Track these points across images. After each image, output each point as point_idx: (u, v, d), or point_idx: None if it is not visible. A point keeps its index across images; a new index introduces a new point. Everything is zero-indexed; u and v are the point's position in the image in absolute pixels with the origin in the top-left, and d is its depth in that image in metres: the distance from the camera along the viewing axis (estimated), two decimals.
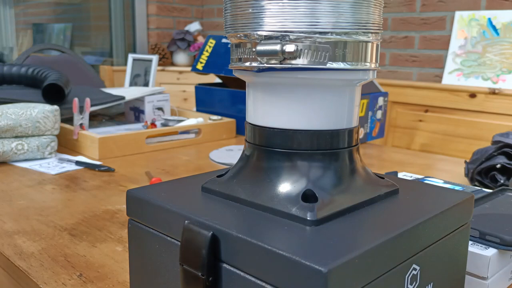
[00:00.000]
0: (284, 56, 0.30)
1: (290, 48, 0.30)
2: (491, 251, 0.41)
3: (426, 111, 1.91)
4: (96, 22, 2.98)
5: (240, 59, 0.34)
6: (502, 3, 1.88)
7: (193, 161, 0.95)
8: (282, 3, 0.30)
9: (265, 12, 0.31)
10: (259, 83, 0.34)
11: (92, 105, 1.10)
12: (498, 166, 0.72)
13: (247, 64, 0.33)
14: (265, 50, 0.31)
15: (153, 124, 1.16)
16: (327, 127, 0.33)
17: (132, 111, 1.29)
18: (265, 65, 0.31)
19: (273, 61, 0.31)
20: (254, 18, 0.31)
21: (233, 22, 0.33)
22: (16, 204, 0.67)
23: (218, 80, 1.42)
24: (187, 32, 2.85)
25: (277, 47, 0.30)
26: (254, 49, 0.32)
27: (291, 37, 0.30)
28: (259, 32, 0.31)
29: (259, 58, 0.31)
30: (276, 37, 0.31)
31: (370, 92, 1.11)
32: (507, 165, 0.71)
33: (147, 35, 2.96)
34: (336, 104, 0.33)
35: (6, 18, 2.50)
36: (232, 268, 0.29)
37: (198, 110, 1.32)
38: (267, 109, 0.34)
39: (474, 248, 0.42)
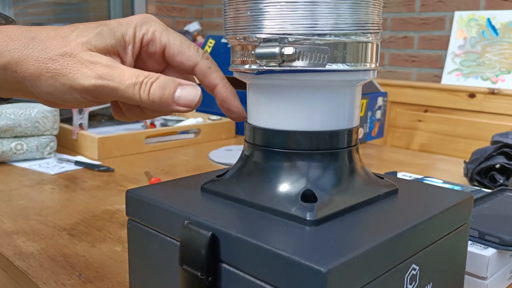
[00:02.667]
0: (283, 58, 0.30)
1: (288, 50, 0.30)
2: (490, 251, 0.42)
3: (426, 111, 1.91)
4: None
5: (239, 62, 0.34)
6: (501, 3, 1.88)
7: (193, 161, 0.95)
8: (280, 5, 0.30)
9: (263, 15, 0.31)
10: (259, 85, 0.34)
11: None
12: (498, 166, 0.72)
13: (247, 66, 0.33)
14: (264, 53, 0.31)
15: (152, 124, 1.16)
16: (327, 128, 0.33)
17: None
18: (264, 67, 0.31)
19: (272, 64, 0.31)
20: (252, 21, 0.31)
21: (232, 24, 0.33)
22: (15, 204, 0.67)
23: None
24: (187, 32, 2.85)
25: (276, 50, 0.30)
26: (253, 52, 0.32)
27: (289, 39, 0.30)
28: (257, 35, 0.31)
29: (258, 61, 0.31)
30: (275, 40, 0.31)
31: (370, 92, 1.11)
32: (506, 165, 0.71)
33: None
34: (336, 104, 0.33)
35: None
36: (231, 268, 0.29)
37: (197, 110, 1.32)
38: (267, 111, 0.34)
39: (473, 248, 0.42)
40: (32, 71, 0.32)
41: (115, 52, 0.34)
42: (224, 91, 0.37)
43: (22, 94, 0.36)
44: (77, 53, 0.32)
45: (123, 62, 0.35)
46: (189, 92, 0.33)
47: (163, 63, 0.38)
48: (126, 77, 0.32)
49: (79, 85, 0.32)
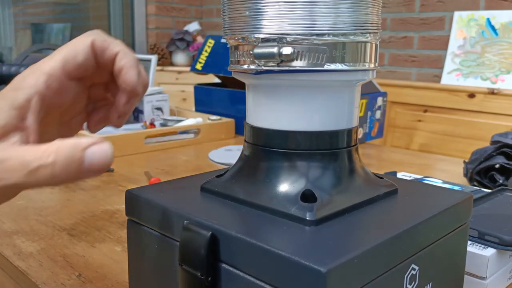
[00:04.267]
0: (281, 58, 0.30)
1: (287, 50, 0.30)
2: (490, 251, 0.42)
3: (425, 111, 1.91)
4: (95, 22, 2.98)
5: (238, 62, 0.34)
6: (501, 3, 1.88)
7: (192, 161, 0.95)
8: (279, 5, 0.30)
9: (262, 15, 0.31)
10: (258, 85, 0.34)
11: None
12: (497, 166, 0.72)
13: (245, 66, 0.33)
14: (262, 53, 0.31)
15: (152, 124, 1.16)
16: (327, 128, 0.33)
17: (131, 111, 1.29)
18: (263, 67, 0.31)
19: (270, 64, 0.31)
20: (251, 21, 0.31)
21: (230, 24, 0.33)
22: (15, 204, 0.67)
23: (217, 80, 1.42)
24: (186, 32, 2.85)
25: (274, 50, 0.30)
26: (251, 52, 0.32)
27: (288, 39, 0.30)
28: (256, 35, 0.31)
29: (256, 61, 0.31)
30: (273, 40, 0.31)
31: (369, 92, 1.11)
32: (506, 165, 0.71)
33: (146, 35, 2.96)
34: (335, 104, 0.33)
35: (5, 18, 2.50)
36: (231, 268, 0.29)
37: (197, 110, 1.32)
38: (266, 111, 0.34)
39: (473, 248, 0.42)
40: None
41: (13, 127, 0.28)
42: (122, 58, 0.32)
43: None
44: None
45: (26, 135, 0.29)
46: (99, 152, 0.26)
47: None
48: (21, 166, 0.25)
49: None
